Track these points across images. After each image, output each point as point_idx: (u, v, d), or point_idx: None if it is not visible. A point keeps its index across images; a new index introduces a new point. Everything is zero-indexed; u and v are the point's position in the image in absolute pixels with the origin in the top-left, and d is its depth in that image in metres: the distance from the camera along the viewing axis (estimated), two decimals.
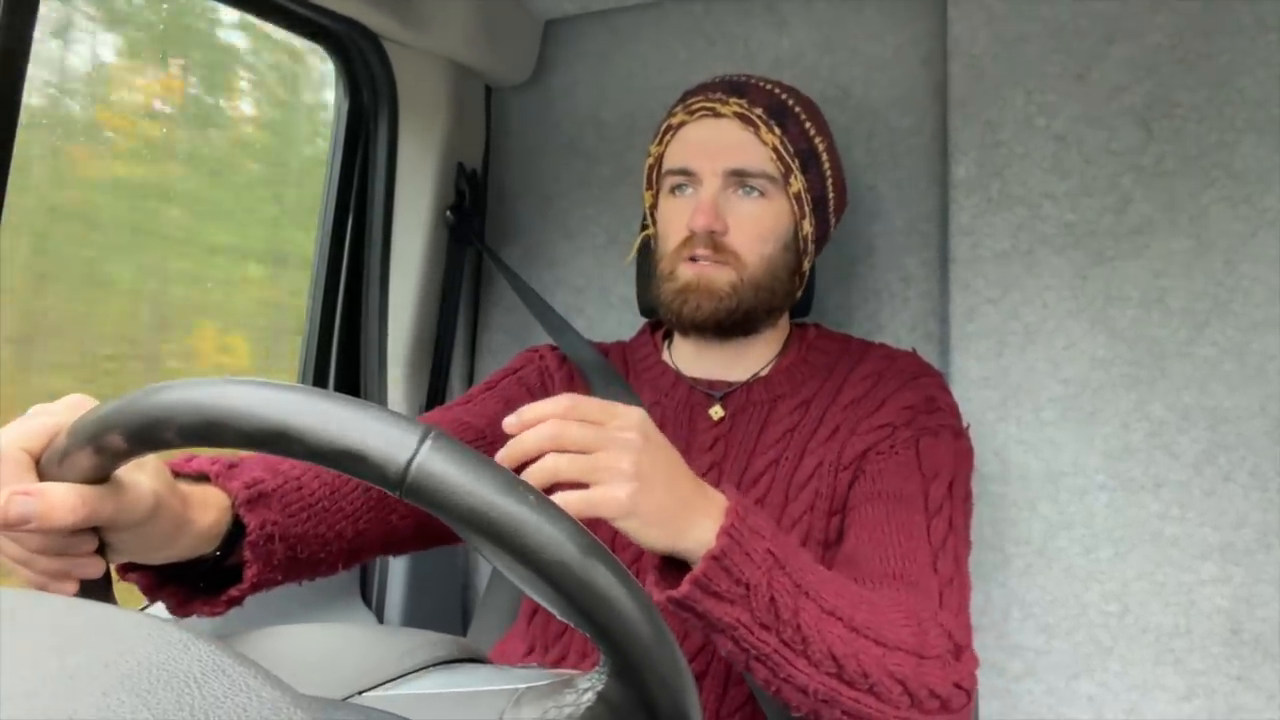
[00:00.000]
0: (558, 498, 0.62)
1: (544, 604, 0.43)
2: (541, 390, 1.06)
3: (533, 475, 0.62)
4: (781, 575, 0.68)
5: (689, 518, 0.67)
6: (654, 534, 0.65)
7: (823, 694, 0.68)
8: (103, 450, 0.49)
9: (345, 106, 1.38)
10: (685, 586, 0.65)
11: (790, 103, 0.99)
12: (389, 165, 1.40)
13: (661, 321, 1.12)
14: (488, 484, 0.41)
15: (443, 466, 0.41)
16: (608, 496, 0.63)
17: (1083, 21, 1.19)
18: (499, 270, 1.40)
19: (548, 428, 0.64)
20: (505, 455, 0.64)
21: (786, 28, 1.41)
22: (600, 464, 0.64)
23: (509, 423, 0.65)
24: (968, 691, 0.74)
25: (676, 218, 0.98)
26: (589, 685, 0.45)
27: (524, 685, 0.49)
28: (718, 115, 0.97)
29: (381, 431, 0.42)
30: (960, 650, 0.76)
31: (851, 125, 1.36)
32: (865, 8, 1.37)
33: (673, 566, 0.70)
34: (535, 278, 1.53)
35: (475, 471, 0.41)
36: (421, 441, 0.41)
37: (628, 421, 0.66)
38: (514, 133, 1.59)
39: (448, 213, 1.44)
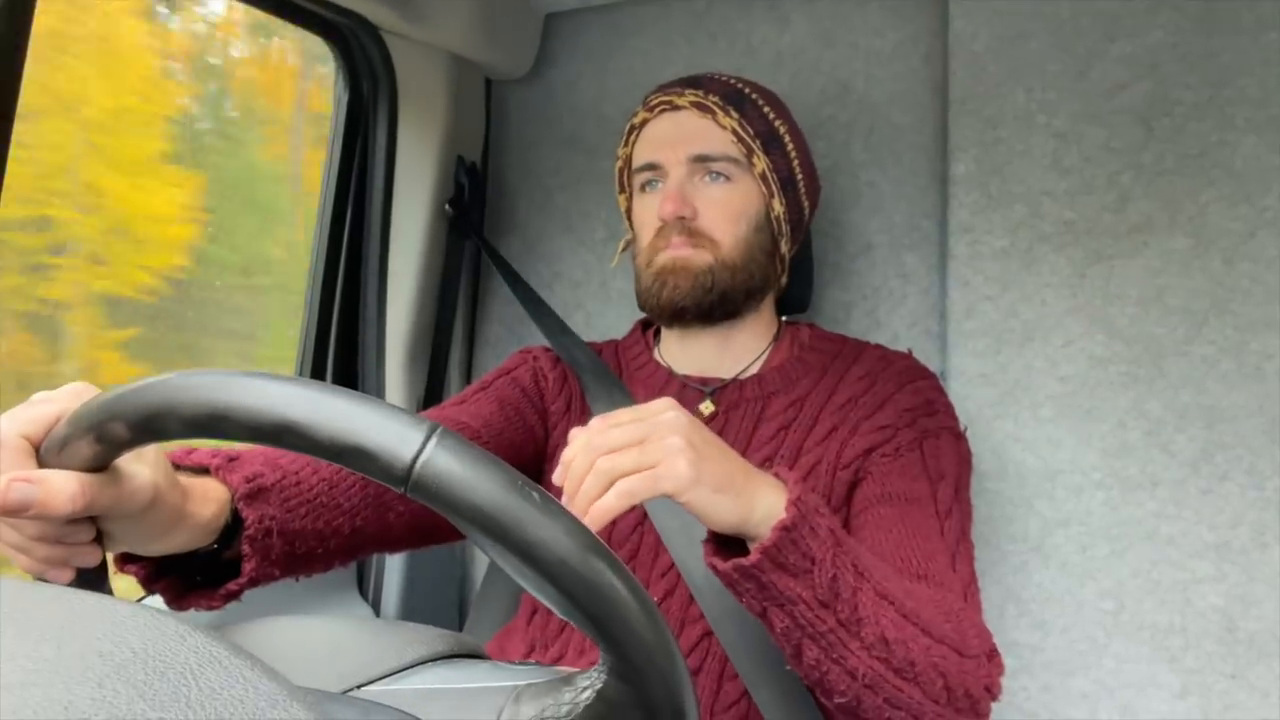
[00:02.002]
0: (620, 485, 0.63)
1: (544, 601, 0.43)
2: (535, 390, 1.06)
3: (592, 482, 0.63)
4: (842, 554, 0.68)
5: (755, 487, 0.67)
6: (724, 503, 0.65)
7: (870, 678, 0.69)
8: (104, 439, 0.49)
9: (344, 98, 1.38)
10: (755, 556, 0.65)
11: (746, 90, 1.02)
12: (388, 157, 1.40)
13: (651, 320, 1.12)
14: (492, 481, 0.41)
15: (448, 464, 0.41)
16: (670, 470, 0.63)
17: (1084, 19, 1.19)
18: (495, 265, 1.40)
19: (591, 440, 0.64)
20: (566, 488, 0.65)
21: (787, 24, 1.41)
22: (651, 447, 0.64)
23: (557, 476, 0.66)
24: (994, 696, 0.75)
25: (648, 212, 1.00)
26: (588, 683, 0.45)
27: (523, 682, 0.49)
28: (675, 108, 1.00)
29: (387, 428, 0.41)
30: (992, 653, 0.77)
31: (851, 121, 1.36)
32: (867, 4, 1.36)
33: (724, 545, 0.70)
34: (534, 272, 1.53)
35: (480, 469, 0.41)
36: (427, 438, 0.41)
37: (661, 406, 0.67)
38: (514, 126, 1.58)
39: (446, 206, 1.43)
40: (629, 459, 0.64)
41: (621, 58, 1.51)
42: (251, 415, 0.43)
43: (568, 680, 0.47)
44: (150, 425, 0.46)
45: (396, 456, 0.41)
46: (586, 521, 0.63)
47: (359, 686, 0.50)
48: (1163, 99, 1.16)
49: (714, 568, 0.69)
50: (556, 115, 1.55)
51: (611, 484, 0.63)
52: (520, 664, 0.55)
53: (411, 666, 0.52)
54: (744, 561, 0.66)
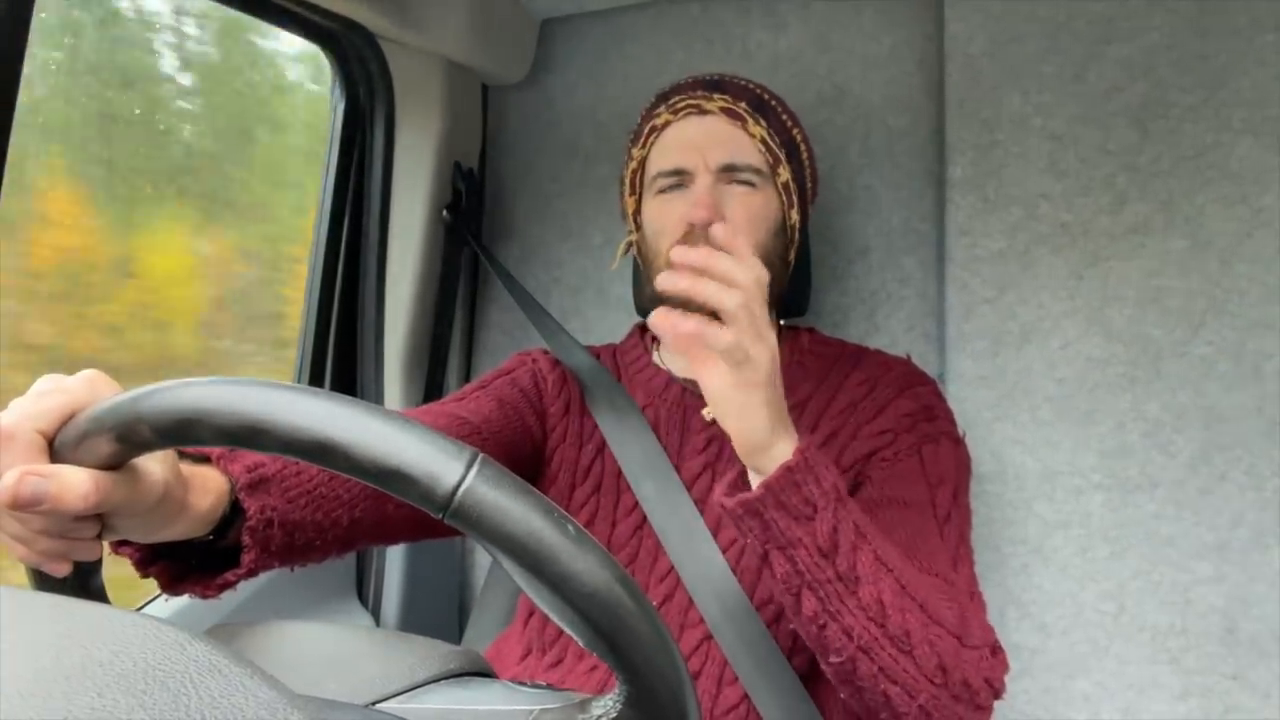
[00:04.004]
0: (730, 332, 0.68)
1: (570, 631, 0.43)
2: (534, 392, 1.06)
3: (717, 338, 0.68)
4: (844, 510, 0.72)
5: (785, 424, 0.73)
6: (768, 416, 0.71)
7: (865, 640, 0.71)
8: (125, 439, 0.48)
9: (342, 105, 1.38)
10: (759, 490, 0.71)
11: (767, 97, 1.02)
12: (385, 164, 1.40)
13: None
14: (530, 512, 0.41)
15: (489, 493, 0.41)
16: (760, 355, 0.70)
17: (1079, 22, 1.20)
18: (494, 271, 1.40)
19: (738, 300, 0.68)
20: (699, 285, 0.69)
21: (784, 28, 1.41)
22: (757, 339, 0.70)
23: (680, 253, 0.70)
24: (997, 692, 0.75)
25: (668, 216, 0.98)
26: (602, 711, 0.46)
27: (538, 707, 0.50)
28: (703, 112, 0.98)
29: (430, 454, 0.41)
30: (996, 650, 0.77)
31: (848, 125, 1.37)
32: (863, 8, 1.37)
33: (739, 488, 0.75)
34: (532, 278, 1.53)
35: (519, 499, 0.42)
36: (469, 467, 0.41)
37: (772, 332, 0.73)
38: (511, 132, 1.59)
39: (444, 212, 1.43)
40: (739, 346, 0.68)
41: (618, 63, 1.51)
42: (290, 431, 0.42)
43: (583, 706, 0.48)
44: (179, 431, 0.45)
45: (438, 483, 0.41)
46: (695, 325, 0.68)
47: (375, 702, 0.50)
48: (1159, 101, 1.16)
49: (723, 505, 0.73)
50: (553, 121, 1.55)
51: (723, 308, 0.68)
52: (532, 686, 0.56)
53: (424, 684, 0.52)
54: (748, 495, 0.71)
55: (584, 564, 0.41)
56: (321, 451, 0.42)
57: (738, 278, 0.69)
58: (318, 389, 0.44)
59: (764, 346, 0.70)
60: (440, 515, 0.41)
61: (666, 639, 0.44)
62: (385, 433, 0.42)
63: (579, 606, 0.41)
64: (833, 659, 0.73)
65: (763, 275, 0.71)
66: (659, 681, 0.43)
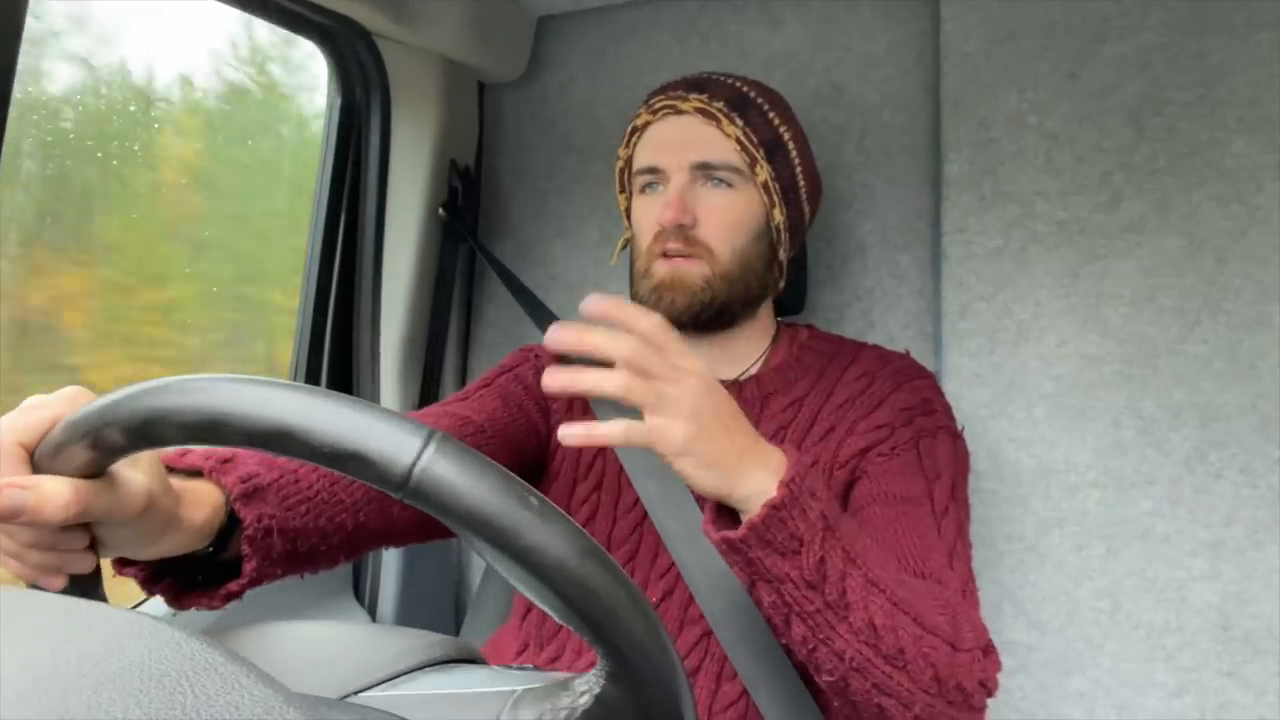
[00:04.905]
0: (626, 427, 0.67)
1: (543, 606, 0.43)
2: (538, 387, 1.06)
3: (605, 382, 0.66)
4: (832, 538, 0.69)
5: (746, 467, 0.69)
6: (709, 478, 0.68)
7: (857, 662, 0.70)
8: (99, 445, 0.48)
9: (337, 103, 1.38)
10: (742, 530, 0.68)
11: (751, 94, 1.01)
12: (382, 161, 1.40)
13: None
14: (490, 487, 0.41)
15: (447, 470, 0.41)
16: (666, 432, 0.67)
17: (1075, 20, 1.20)
18: (492, 268, 1.40)
19: (629, 346, 0.66)
20: (586, 334, 0.66)
21: (780, 25, 1.41)
22: (664, 398, 0.67)
23: (589, 303, 0.68)
24: (990, 692, 0.75)
25: (648, 215, 1.00)
26: (585, 688, 0.45)
27: (521, 687, 0.49)
28: (679, 112, 0.99)
29: (386, 434, 0.41)
30: (988, 649, 0.77)
31: (844, 123, 1.37)
32: (859, 6, 1.37)
33: (725, 512, 0.72)
34: (528, 275, 1.53)
35: (479, 475, 0.41)
36: (425, 444, 0.41)
37: (696, 366, 0.69)
38: (507, 129, 1.58)
39: (440, 209, 1.43)
40: (642, 395, 0.66)
41: (614, 60, 1.51)
42: (249, 421, 0.42)
43: (565, 685, 0.47)
44: (146, 431, 0.46)
45: (395, 462, 0.41)
46: (585, 430, 0.67)
47: (356, 693, 0.50)
48: (1154, 99, 1.16)
49: (706, 534, 0.71)
50: (550, 118, 1.55)
51: (615, 400, 0.66)
52: (518, 668, 0.55)
53: (409, 672, 0.52)
54: (730, 535, 0.68)
55: (549, 536, 0.41)
56: (281, 439, 0.42)
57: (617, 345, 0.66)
58: (276, 379, 0.44)
59: (685, 384, 0.67)
60: (399, 494, 0.41)
61: (645, 608, 0.43)
62: (340, 415, 0.42)
63: (547, 579, 0.41)
64: (825, 677, 0.72)
65: (657, 320, 0.68)
66: (638, 654, 0.43)
